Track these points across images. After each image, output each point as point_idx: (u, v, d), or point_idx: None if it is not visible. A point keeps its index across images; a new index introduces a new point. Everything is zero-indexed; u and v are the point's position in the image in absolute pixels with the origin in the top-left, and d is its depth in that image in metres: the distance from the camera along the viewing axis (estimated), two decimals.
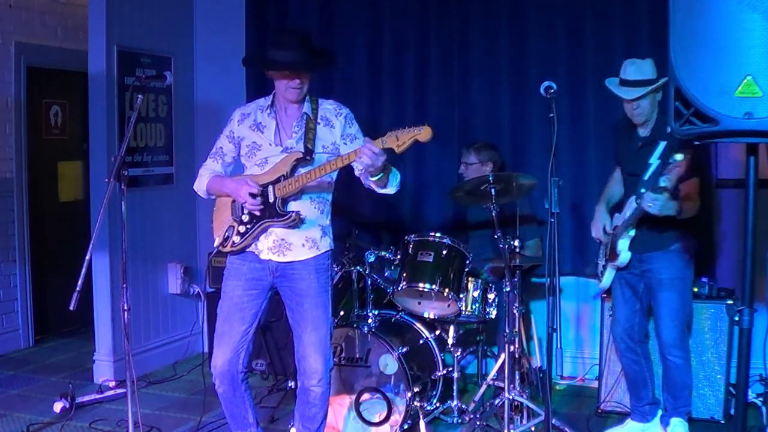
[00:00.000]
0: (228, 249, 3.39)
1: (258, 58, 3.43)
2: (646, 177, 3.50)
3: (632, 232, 3.71)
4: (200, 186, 3.50)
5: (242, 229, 3.35)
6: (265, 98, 3.43)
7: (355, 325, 4.00)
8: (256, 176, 3.33)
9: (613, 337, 4.01)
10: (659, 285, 3.74)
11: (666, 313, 3.73)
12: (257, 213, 3.30)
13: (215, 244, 3.44)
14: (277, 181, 3.28)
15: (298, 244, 3.35)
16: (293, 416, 3.57)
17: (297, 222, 3.30)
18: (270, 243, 3.34)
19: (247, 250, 3.38)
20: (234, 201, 3.38)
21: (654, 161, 3.53)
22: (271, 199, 3.28)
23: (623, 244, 3.75)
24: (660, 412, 3.95)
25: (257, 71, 5.12)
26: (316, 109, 3.36)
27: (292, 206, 3.31)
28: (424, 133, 3.07)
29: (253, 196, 3.24)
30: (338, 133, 3.36)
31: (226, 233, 3.39)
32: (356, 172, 3.41)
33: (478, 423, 4.00)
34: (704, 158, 4.26)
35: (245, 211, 3.35)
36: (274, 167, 3.31)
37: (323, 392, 3.42)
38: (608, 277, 3.91)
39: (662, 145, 3.51)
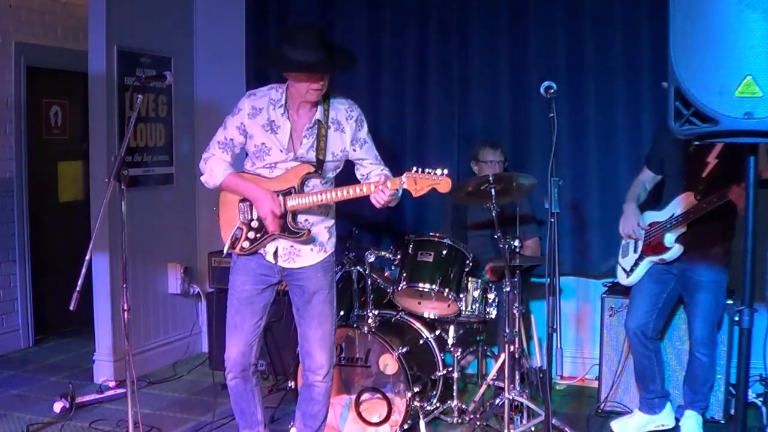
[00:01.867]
0: (237, 252, 3.37)
1: (279, 58, 3.18)
2: (705, 174, 3.59)
3: (683, 228, 3.74)
4: (213, 180, 3.35)
5: (252, 235, 3.33)
6: (276, 89, 3.28)
7: (355, 325, 4.00)
8: (265, 181, 3.29)
9: (625, 331, 4.01)
10: (697, 286, 3.78)
11: (700, 313, 3.78)
12: (279, 216, 3.25)
13: (225, 250, 3.40)
14: (288, 192, 3.25)
15: (307, 249, 3.35)
16: (293, 416, 3.58)
17: (308, 240, 3.31)
18: (279, 250, 3.33)
19: (257, 252, 3.37)
20: (242, 201, 3.35)
21: (711, 160, 3.60)
22: (282, 211, 3.27)
23: (671, 239, 3.77)
24: (669, 404, 3.98)
25: (258, 70, 5.14)
26: (327, 111, 3.27)
27: (300, 214, 3.31)
28: (443, 185, 3.09)
29: (275, 215, 3.21)
30: (348, 139, 3.31)
31: (235, 234, 3.36)
32: (357, 176, 3.43)
33: (478, 423, 4.00)
34: None
35: (255, 217, 3.32)
36: (284, 176, 3.27)
37: (327, 388, 3.45)
38: (641, 272, 3.92)
39: (719, 145, 3.54)
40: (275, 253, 3.33)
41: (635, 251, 3.96)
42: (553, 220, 3.23)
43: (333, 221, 3.45)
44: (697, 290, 3.79)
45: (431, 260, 4.05)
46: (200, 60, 5.60)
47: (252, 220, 3.34)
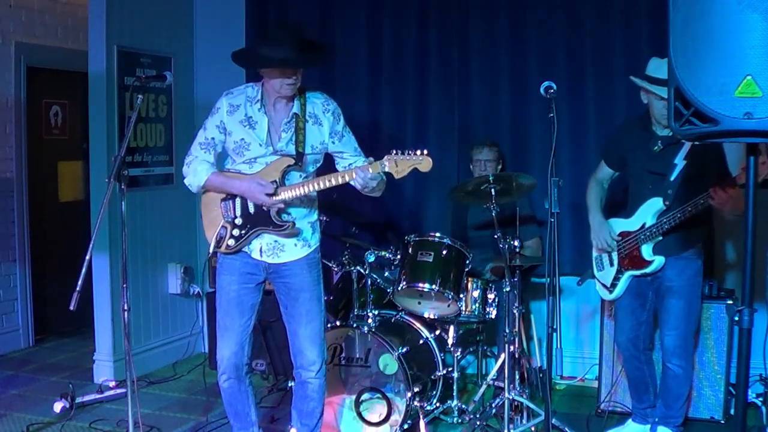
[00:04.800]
0: (223, 250, 3.38)
1: (250, 55, 3.33)
2: (673, 177, 3.50)
3: (659, 237, 3.64)
4: (196, 181, 3.36)
5: (236, 232, 3.34)
6: (253, 87, 3.34)
7: (355, 325, 4.00)
8: (246, 178, 3.30)
9: (616, 345, 3.98)
10: (668, 292, 3.69)
11: (672, 320, 3.68)
12: (265, 209, 3.27)
13: (210, 249, 3.42)
14: None
15: (291, 244, 3.36)
16: (291, 416, 3.57)
17: (293, 233, 3.32)
18: (263, 245, 3.35)
19: (241, 250, 3.38)
20: (224, 200, 3.36)
21: (679, 161, 3.50)
22: (265, 207, 3.29)
23: (650, 251, 3.67)
24: None
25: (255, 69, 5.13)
26: (304, 105, 3.31)
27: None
28: (424, 164, 3.12)
29: (269, 195, 3.23)
30: (326, 132, 3.34)
31: (219, 233, 3.37)
32: (339, 169, 3.41)
33: (478, 423, 4.00)
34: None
35: (238, 214, 3.34)
36: (264, 170, 3.29)
37: (321, 384, 3.45)
38: (623, 286, 3.79)
39: (687, 145, 3.46)
40: (260, 249, 3.34)
41: (611, 264, 3.83)
42: (553, 220, 3.23)
43: (316, 217, 3.47)
44: (668, 296, 3.68)
45: (431, 260, 4.05)
46: (200, 60, 5.61)
47: (236, 217, 3.35)
